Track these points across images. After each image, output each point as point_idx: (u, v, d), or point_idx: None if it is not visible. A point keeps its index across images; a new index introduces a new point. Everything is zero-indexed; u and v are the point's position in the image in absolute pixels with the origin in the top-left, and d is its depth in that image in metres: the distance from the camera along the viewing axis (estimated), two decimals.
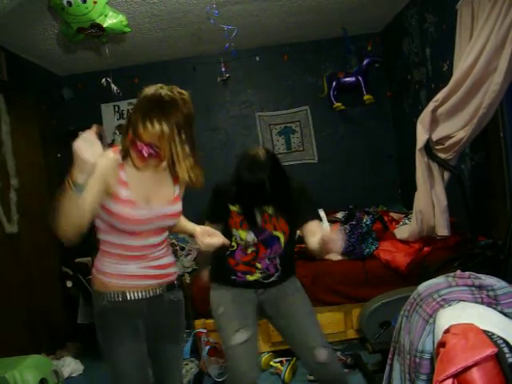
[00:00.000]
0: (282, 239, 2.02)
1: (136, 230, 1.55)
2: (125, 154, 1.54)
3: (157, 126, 1.43)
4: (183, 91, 1.53)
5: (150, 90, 1.54)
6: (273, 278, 2.04)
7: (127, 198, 1.51)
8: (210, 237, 1.70)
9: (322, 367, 1.93)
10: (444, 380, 1.05)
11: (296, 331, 2.01)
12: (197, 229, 1.75)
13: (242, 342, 1.92)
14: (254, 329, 2.00)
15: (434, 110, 2.67)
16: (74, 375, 3.17)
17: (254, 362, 2.00)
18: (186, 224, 1.82)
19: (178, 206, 1.66)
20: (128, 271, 1.57)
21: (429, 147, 2.74)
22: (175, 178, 1.64)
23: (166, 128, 1.43)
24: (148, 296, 1.61)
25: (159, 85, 1.55)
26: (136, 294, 1.58)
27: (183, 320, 1.78)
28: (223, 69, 4.09)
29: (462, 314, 1.23)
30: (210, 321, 2.90)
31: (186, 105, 1.50)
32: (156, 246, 1.62)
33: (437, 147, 2.74)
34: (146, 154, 1.48)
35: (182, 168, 1.49)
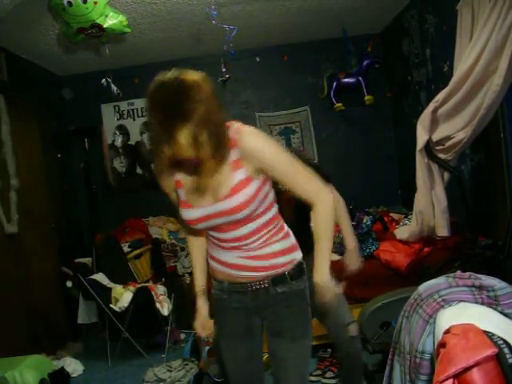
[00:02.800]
0: None
1: (200, 228, 1.46)
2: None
3: (181, 140, 1.22)
4: (194, 74, 1.33)
5: (153, 89, 1.32)
6: None
7: (182, 198, 1.43)
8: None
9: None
10: (444, 380, 1.05)
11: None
12: None
13: None
14: None
15: (434, 111, 2.67)
16: (74, 375, 3.16)
17: None
18: None
19: (238, 198, 1.37)
20: (225, 259, 1.48)
21: (429, 148, 2.74)
22: (234, 162, 1.36)
23: (190, 137, 1.23)
24: (252, 289, 1.48)
25: (160, 78, 1.34)
26: (237, 286, 1.49)
27: (299, 312, 1.53)
28: (224, 69, 4.09)
29: (462, 314, 1.23)
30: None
31: (202, 91, 1.28)
32: (246, 238, 1.43)
33: (437, 148, 2.74)
34: (193, 169, 1.34)
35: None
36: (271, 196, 1.47)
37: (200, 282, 1.62)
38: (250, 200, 1.37)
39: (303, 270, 1.54)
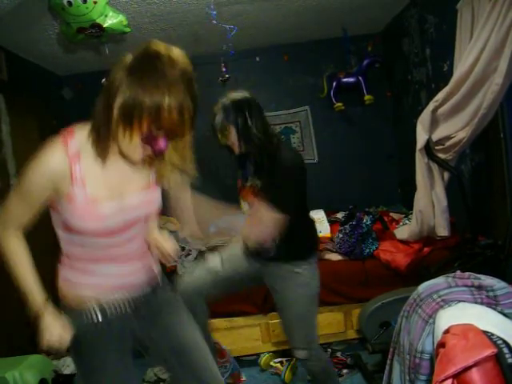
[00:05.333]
0: None
1: (102, 228, 1.30)
2: (101, 146, 1.21)
3: (186, 108, 1.15)
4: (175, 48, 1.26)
5: (153, 48, 1.26)
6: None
7: (89, 195, 1.24)
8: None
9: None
10: (444, 380, 1.05)
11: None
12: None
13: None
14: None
15: (434, 111, 2.67)
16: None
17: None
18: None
19: (153, 195, 1.39)
20: (103, 272, 1.38)
21: (429, 147, 2.74)
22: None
23: (191, 109, 1.16)
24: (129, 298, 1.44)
25: (155, 42, 1.28)
26: (116, 305, 1.40)
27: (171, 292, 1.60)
28: (224, 69, 4.09)
29: (461, 314, 1.23)
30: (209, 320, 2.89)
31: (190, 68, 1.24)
32: (132, 249, 1.42)
33: (437, 147, 2.74)
34: (163, 148, 1.19)
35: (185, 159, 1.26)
36: None
37: (38, 293, 1.38)
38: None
39: None
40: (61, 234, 1.37)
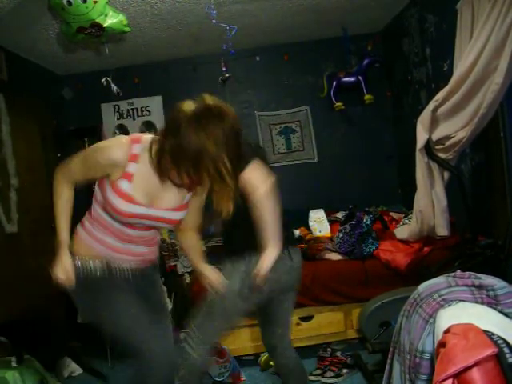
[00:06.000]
0: None
1: (126, 221, 1.57)
2: (157, 164, 1.48)
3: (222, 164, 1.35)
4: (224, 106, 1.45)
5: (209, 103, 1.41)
6: None
7: (126, 191, 1.50)
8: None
9: None
10: (444, 380, 1.05)
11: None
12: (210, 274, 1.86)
13: None
14: None
15: (434, 110, 2.67)
16: (73, 375, 3.17)
17: None
18: (197, 258, 1.90)
19: (180, 214, 1.64)
20: (115, 245, 1.63)
21: (429, 147, 2.74)
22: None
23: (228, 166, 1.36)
24: (130, 268, 1.70)
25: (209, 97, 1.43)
26: (119, 265, 1.67)
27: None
28: (224, 68, 4.09)
29: (462, 314, 1.23)
30: None
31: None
32: (144, 238, 1.68)
33: (437, 147, 2.74)
34: (186, 185, 1.51)
35: (220, 201, 1.45)
36: None
37: (66, 232, 1.64)
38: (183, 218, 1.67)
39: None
40: (96, 205, 1.63)
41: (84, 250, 1.64)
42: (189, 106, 1.40)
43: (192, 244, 1.88)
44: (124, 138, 1.52)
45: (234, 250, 1.90)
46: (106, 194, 1.52)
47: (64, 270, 1.58)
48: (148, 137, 1.53)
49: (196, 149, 1.32)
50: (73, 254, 1.62)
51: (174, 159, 1.39)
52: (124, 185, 1.49)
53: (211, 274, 1.85)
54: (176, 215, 1.62)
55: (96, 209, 1.63)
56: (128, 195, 1.50)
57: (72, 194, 1.64)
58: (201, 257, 1.89)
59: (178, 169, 1.40)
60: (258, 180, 1.62)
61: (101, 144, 1.57)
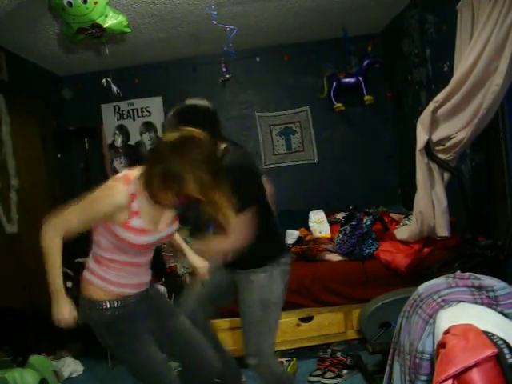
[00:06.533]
0: None
1: (139, 251, 1.72)
2: (149, 192, 1.62)
3: (216, 193, 1.57)
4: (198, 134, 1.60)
5: (199, 144, 1.57)
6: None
7: (139, 227, 1.64)
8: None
9: None
10: (444, 381, 1.05)
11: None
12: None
13: None
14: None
15: (435, 111, 2.67)
16: (73, 375, 3.16)
17: None
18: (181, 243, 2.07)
19: (176, 225, 1.83)
20: (130, 282, 1.75)
21: (429, 148, 2.74)
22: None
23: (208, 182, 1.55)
24: (139, 295, 1.81)
25: (202, 138, 1.59)
26: (133, 299, 1.77)
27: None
28: (224, 69, 4.09)
29: (461, 314, 1.23)
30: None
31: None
32: (147, 262, 1.83)
33: (437, 148, 2.74)
34: (179, 204, 1.67)
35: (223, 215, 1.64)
36: None
37: (60, 280, 1.69)
38: None
39: None
40: (101, 251, 1.72)
41: (100, 294, 1.71)
42: (171, 136, 1.59)
43: (178, 241, 2.07)
44: (119, 184, 1.63)
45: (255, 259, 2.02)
46: (120, 236, 1.63)
47: (67, 310, 1.67)
48: (133, 173, 1.66)
49: (179, 170, 1.52)
50: (90, 300, 1.71)
51: (163, 182, 1.57)
52: (136, 222, 1.63)
53: (200, 263, 2.01)
54: (174, 228, 1.81)
55: (103, 254, 1.71)
56: (142, 229, 1.65)
57: (61, 244, 1.66)
58: (189, 249, 2.05)
59: (166, 190, 1.58)
60: (237, 228, 1.82)
61: (99, 194, 1.63)
